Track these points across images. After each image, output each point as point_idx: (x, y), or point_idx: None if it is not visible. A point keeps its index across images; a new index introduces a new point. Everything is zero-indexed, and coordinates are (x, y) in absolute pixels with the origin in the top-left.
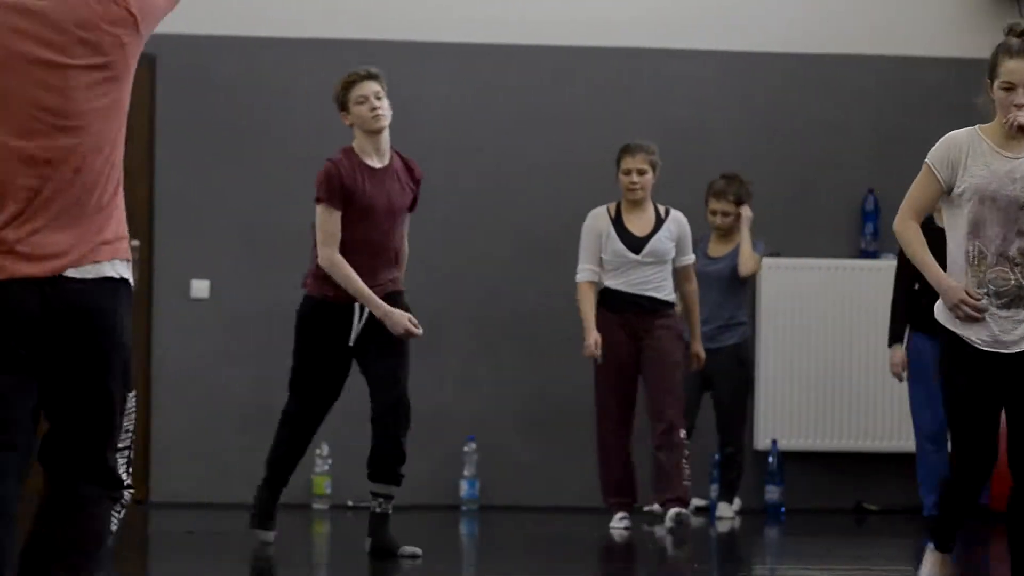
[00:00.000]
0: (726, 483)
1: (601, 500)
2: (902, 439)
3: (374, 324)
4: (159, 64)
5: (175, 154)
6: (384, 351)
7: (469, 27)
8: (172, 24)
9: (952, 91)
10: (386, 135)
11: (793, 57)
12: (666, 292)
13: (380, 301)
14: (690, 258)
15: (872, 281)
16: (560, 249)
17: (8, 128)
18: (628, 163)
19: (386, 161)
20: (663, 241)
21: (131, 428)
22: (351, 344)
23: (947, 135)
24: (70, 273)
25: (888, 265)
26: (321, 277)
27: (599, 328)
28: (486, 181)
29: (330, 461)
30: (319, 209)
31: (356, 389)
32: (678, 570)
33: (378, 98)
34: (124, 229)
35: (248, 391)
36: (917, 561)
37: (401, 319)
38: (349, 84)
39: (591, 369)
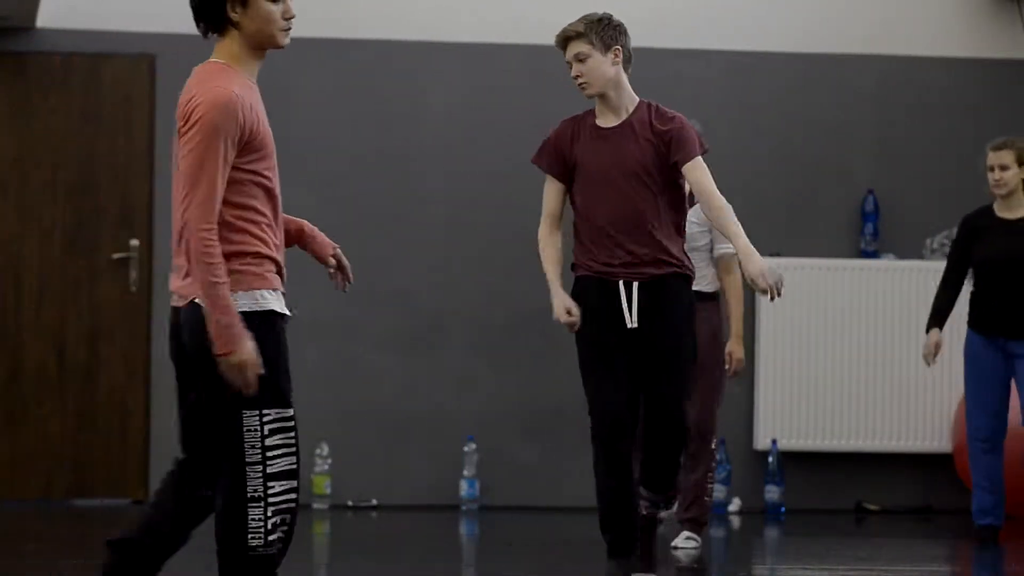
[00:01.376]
0: None
1: None
2: (902, 439)
3: (652, 310)
4: (159, 64)
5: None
6: (659, 352)
7: (470, 27)
8: (172, 24)
9: (952, 91)
10: (613, 93)
11: (793, 57)
12: (705, 283)
13: (557, 287)
14: (726, 247)
15: (872, 281)
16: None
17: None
18: None
19: (623, 117)
20: (689, 226)
21: (256, 445)
22: (632, 325)
23: None
24: (180, 305)
25: (888, 265)
26: (578, 253)
27: None
28: (486, 181)
29: (330, 461)
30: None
31: (353, 387)
32: (678, 570)
33: (579, 60)
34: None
35: None
36: (917, 561)
37: (562, 303)
38: (559, 47)
39: None
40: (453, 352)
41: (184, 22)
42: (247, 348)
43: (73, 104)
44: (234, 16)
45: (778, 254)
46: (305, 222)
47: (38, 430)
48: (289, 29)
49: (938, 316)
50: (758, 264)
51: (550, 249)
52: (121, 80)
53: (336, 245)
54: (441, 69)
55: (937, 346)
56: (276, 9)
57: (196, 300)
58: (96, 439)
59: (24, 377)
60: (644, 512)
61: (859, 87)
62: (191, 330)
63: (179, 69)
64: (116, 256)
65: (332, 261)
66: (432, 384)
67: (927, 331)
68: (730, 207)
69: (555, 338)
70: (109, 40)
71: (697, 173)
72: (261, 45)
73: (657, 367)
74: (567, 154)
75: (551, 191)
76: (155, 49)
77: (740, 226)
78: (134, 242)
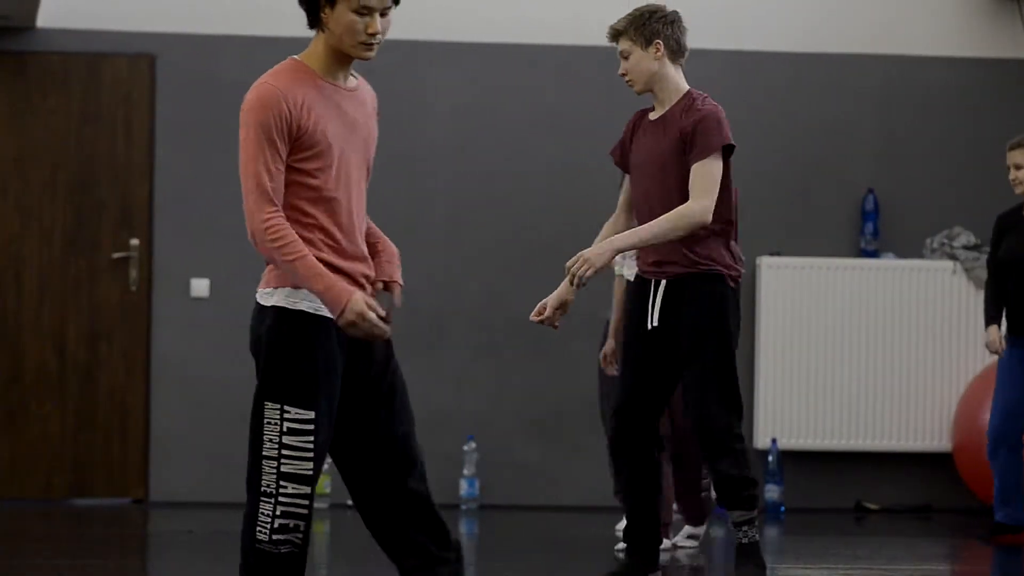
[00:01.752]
0: None
1: (608, 500)
2: (902, 439)
3: (672, 311)
4: (159, 64)
5: (175, 154)
6: (679, 354)
7: (471, 27)
8: (172, 24)
9: (953, 91)
10: (657, 87)
11: (793, 57)
12: None
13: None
14: None
15: (872, 281)
16: (561, 249)
17: None
18: None
19: (666, 108)
20: None
21: (274, 439)
22: (653, 326)
23: None
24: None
25: (888, 265)
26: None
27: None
28: (487, 181)
29: (329, 460)
30: None
31: None
32: (677, 570)
33: (624, 57)
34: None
35: (248, 390)
36: (917, 560)
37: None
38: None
39: (592, 369)
40: (453, 352)
41: (184, 22)
42: (354, 302)
43: (73, 104)
44: (324, 15)
45: (778, 253)
46: (388, 246)
47: (38, 430)
48: (371, 45)
49: (992, 313)
50: (589, 251)
51: (605, 229)
52: (121, 80)
53: (400, 283)
54: (442, 69)
55: (999, 340)
56: (360, 22)
57: (257, 295)
58: (96, 439)
59: (24, 377)
60: (742, 541)
61: (859, 87)
62: (250, 325)
63: (179, 69)
64: (116, 256)
65: (379, 285)
66: (432, 384)
67: (986, 328)
68: (682, 221)
69: (556, 338)
70: (109, 40)
71: (693, 176)
72: (341, 52)
73: (680, 369)
74: (627, 147)
75: (625, 183)
76: (155, 49)
77: (651, 233)
78: (134, 242)
